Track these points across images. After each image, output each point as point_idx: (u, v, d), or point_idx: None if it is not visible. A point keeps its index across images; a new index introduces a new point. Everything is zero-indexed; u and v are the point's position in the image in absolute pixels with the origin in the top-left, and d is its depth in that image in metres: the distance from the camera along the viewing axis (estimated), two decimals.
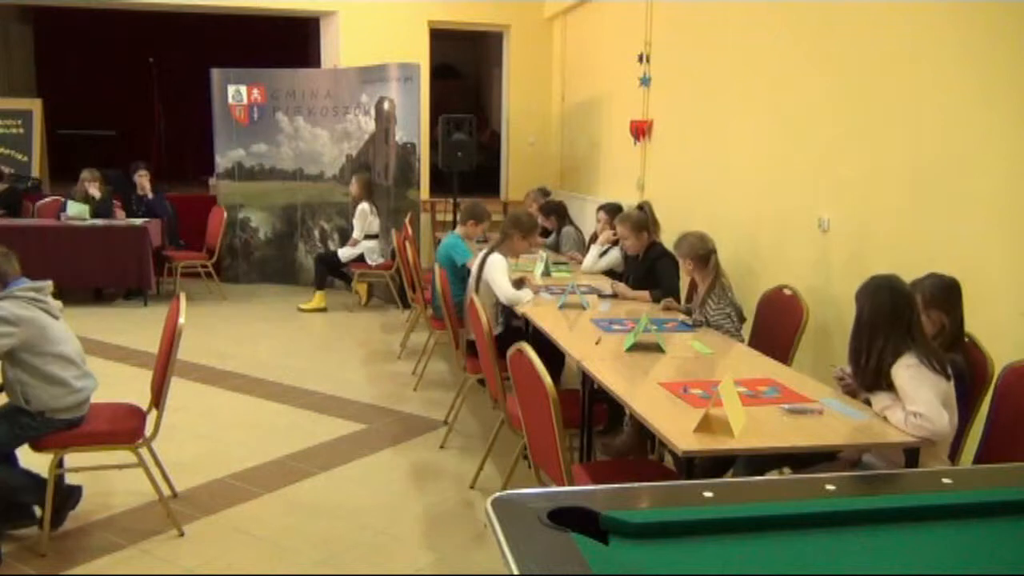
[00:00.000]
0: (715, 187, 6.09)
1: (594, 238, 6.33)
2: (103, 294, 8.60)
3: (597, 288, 5.19)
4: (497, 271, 4.83)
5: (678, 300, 4.96)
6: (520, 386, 3.21)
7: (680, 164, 6.69)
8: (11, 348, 3.38)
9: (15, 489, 3.52)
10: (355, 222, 8.39)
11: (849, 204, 4.59)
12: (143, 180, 8.69)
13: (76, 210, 8.19)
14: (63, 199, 8.55)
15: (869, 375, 2.95)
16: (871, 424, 2.88)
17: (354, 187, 8.40)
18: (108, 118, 12.92)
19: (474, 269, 5.03)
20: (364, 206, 8.27)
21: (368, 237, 8.41)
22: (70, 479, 3.76)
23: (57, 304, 3.59)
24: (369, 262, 8.33)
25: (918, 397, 2.78)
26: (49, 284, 3.59)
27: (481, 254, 5.04)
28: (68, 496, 3.63)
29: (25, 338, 3.39)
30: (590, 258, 6.00)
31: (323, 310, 8.25)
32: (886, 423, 2.86)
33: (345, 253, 8.40)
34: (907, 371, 2.85)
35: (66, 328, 3.60)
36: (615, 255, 5.87)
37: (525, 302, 4.75)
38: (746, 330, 4.50)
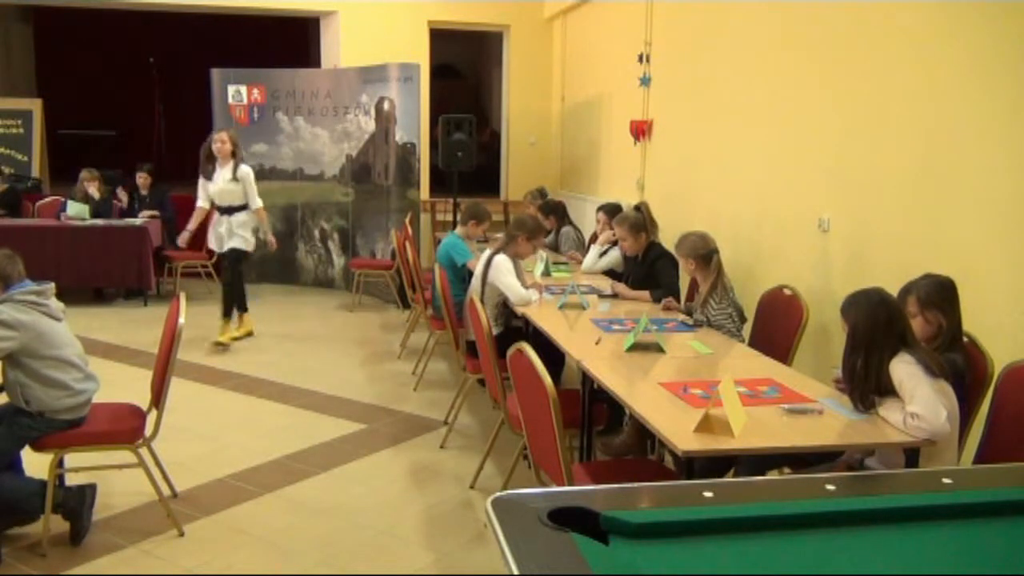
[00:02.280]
0: (715, 187, 6.08)
1: (594, 238, 6.33)
2: (103, 294, 8.60)
3: (597, 288, 5.19)
4: (504, 272, 4.83)
5: (678, 300, 4.96)
6: (520, 386, 3.21)
7: (680, 164, 6.69)
8: (10, 352, 3.38)
9: (19, 499, 3.50)
10: (238, 187, 6.68)
11: (849, 204, 4.59)
12: (143, 181, 8.76)
13: (76, 210, 8.21)
14: (63, 199, 8.57)
15: (869, 391, 2.93)
16: (871, 424, 2.88)
17: (224, 143, 6.64)
18: (108, 118, 12.93)
19: (478, 270, 5.03)
20: (247, 168, 6.75)
21: (236, 209, 6.73)
22: (70, 479, 3.76)
23: (59, 306, 3.59)
24: (244, 247, 6.78)
25: (916, 393, 2.77)
26: (51, 287, 3.58)
27: (485, 255, 5.04)
28: (82, 499, 3.59)
29: (25, 342, 3.38)
30: (590, 258, 6.00)
31: (251, 334, 7.10)
32: (886, 423, 2.86)
33: (242, 239, 6.77)
34: (905, 367, 2.85)
35: (68, 330, 3.60)
36: (615, 255, 5.87)
37: (534, 301, 4.76)
38: (746, 330, 4.50)
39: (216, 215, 6.88)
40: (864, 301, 2.98)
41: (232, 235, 6.75)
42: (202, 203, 6.85)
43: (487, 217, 6.22)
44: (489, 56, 12.07)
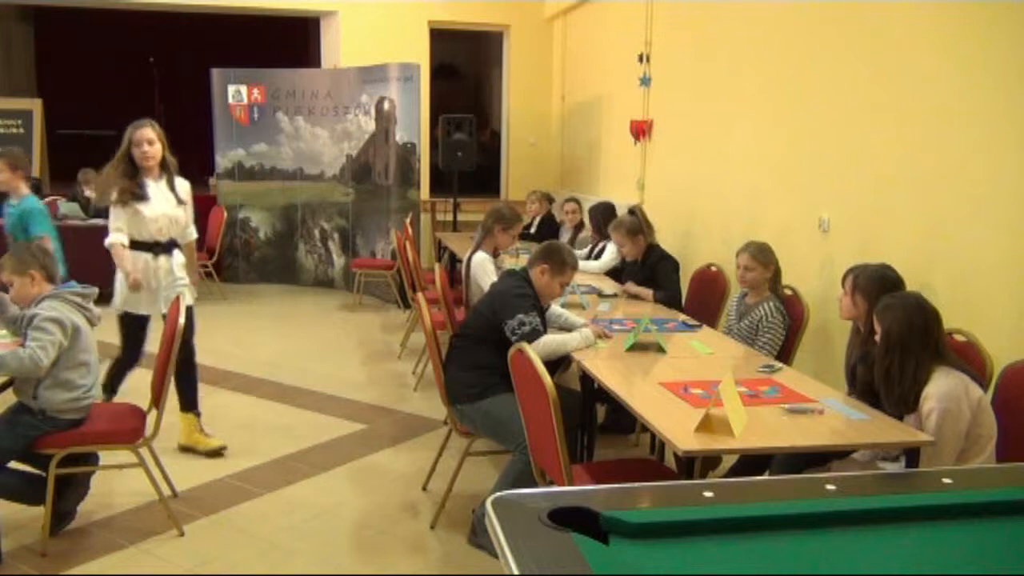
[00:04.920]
0: (715, 187, 6.08)
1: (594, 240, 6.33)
2: (102, 294, 8.56)
3: (597, 288, 5.19)
4: (486, 274, 4.79)
5: (679, 302, 4.96)
6: (520, 386, 3.21)
7: (680, 164, 6.69)
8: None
9: (13, 493, 3.51)
10: (182, 211, 4.48)
11: (849, 204, 4.58)
12: None
13: (67, 208, 8.23)
14: (63, 199, 8.57)
15: (899, 398, 2.93)
16: (871, 424, 2.88)
17: (153, 143, 4.35)
18: (108, 118, 12.86)
19: (463, 271, 5.01)
20: (186, 183, 4.57)
21: (174, 245, 4.45)
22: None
23: (99, 312, 3.66)
24: (192, 301, 4.45)
25: (939, 440, 2.79)
26: (94, 291, 3.68)
27: (467, 254, 5.01)
28: (69, 481, 3.59)
29: (66, 345, 3.43)
30: (582, 264, 5.97)
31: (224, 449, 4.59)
32: (885, 423, 2.86)
33: (191, 290, 4.50)
34: (931, 416, 2.83)
35: (92, 335, 3.64)
36: (612, 254, 5.85)
37: None
38: None
39: (134, 256, 4.29)
40: (902, 305, 2.98)
41: (176, 284, 4.39)
42: (123, 238, 4.26)
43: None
44: (489, 56, 12.06)
